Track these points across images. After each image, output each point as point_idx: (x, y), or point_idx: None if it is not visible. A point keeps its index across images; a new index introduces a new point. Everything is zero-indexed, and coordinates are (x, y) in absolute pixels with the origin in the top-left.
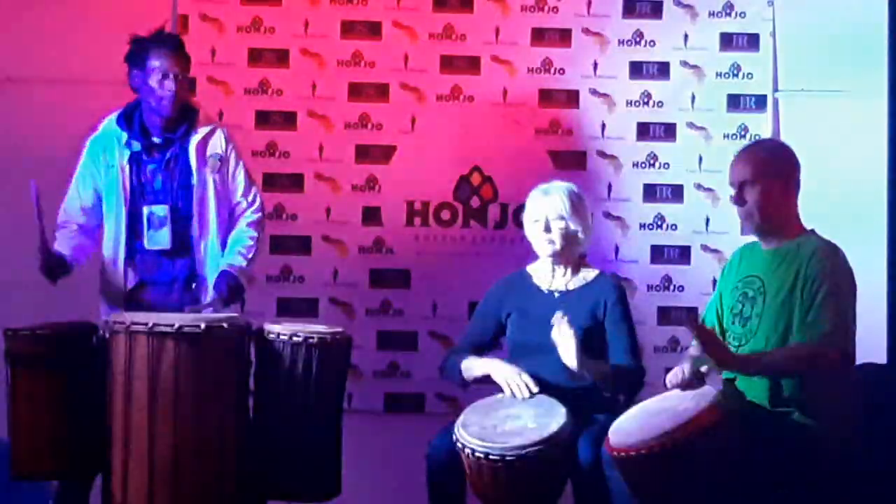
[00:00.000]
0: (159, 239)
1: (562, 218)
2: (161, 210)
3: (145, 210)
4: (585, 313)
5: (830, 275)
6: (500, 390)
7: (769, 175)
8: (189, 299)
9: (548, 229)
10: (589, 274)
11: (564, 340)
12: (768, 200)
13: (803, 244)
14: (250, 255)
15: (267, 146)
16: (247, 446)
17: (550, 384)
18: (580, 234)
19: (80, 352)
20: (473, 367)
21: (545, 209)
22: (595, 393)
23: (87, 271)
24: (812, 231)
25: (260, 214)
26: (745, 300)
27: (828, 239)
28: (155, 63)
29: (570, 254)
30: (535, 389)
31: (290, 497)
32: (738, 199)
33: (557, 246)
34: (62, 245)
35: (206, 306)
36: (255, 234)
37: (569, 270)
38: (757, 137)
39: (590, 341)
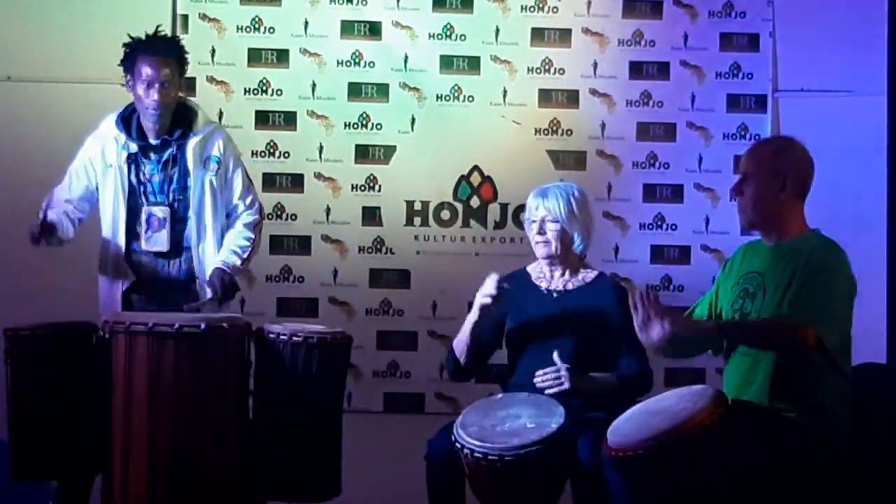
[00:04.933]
0: (158, 240)
1: (556, 221)
2: (160, 211)
3: (144, 211)
4: (584, 315)
5: (828, 271)
6: (500, 391)
7: (768, 173)
8: (186, 301)
9: (542, 232)
10: (589, 274)
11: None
12: (763, 198)
13: (805, 242)
14: (246, 255)
15: (267, 146)
16: (247, 446)
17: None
18: (576, 237)
19: (80, 352)
20: (460, 335)
21: (541, 211)
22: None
23: (87, 272)
24: (815, 231)
25: (257, 217)
26: (746, 296)
27: (831, 239)
28: (141, 70)
29: (566, 256)
30: (504, 285)
31: (290, 497)
32: (736, 191)
33: (552, 249)
34: (53, 214)
35: (202, 304)
36: (252, 236)
37: (568, 271)
38: (757, 137)
39: (589, 344)
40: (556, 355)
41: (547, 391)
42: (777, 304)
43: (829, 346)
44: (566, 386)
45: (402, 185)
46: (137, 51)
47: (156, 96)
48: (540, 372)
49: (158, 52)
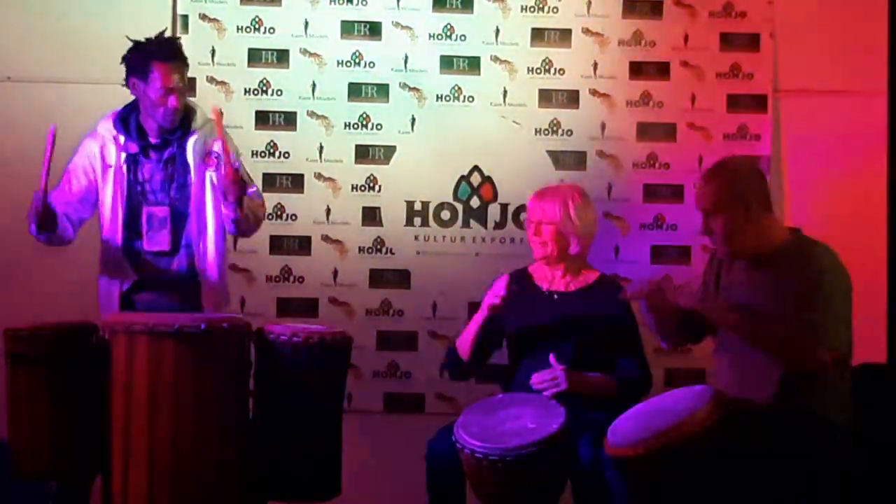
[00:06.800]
0: (159, 240)
1: (552, 223)
2: (161, 211)
3: (145, 211)
4: (585, 317)
5: (822, 275)
6: (500, 391)
7: (729, 204)
8: (188, 298)
9: (538, 233)
10: (590, 276)
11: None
12: (734, 230)
13: (791, 248)
14: (250, 199)
15: (267, 146)
16: (247, 447)
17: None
18: (571, 240)
19: (80, 352)
20: (465, 335)
21: (538, 213)
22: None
23: (87, 272)
24: (798, 231)
25: (262, 201)
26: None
27: (816, 240)
28: (157, 76)
29: (563, 258)
30: (513, 287)
31: (291, 497)
32: (705, 229)
33: (548, 250)
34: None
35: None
36: (254, 210)
37: (569, 272)
38: (757, 138)
39: (589, 346)
40: (552, 357)
41: (544, 393)
42: (778, 308)
43: (845, 354)
44: (564, 387)
45: (402, 185)
46: (151, 55)
47: (176, 103)
48: (536, 376)
49: (176, 57)
